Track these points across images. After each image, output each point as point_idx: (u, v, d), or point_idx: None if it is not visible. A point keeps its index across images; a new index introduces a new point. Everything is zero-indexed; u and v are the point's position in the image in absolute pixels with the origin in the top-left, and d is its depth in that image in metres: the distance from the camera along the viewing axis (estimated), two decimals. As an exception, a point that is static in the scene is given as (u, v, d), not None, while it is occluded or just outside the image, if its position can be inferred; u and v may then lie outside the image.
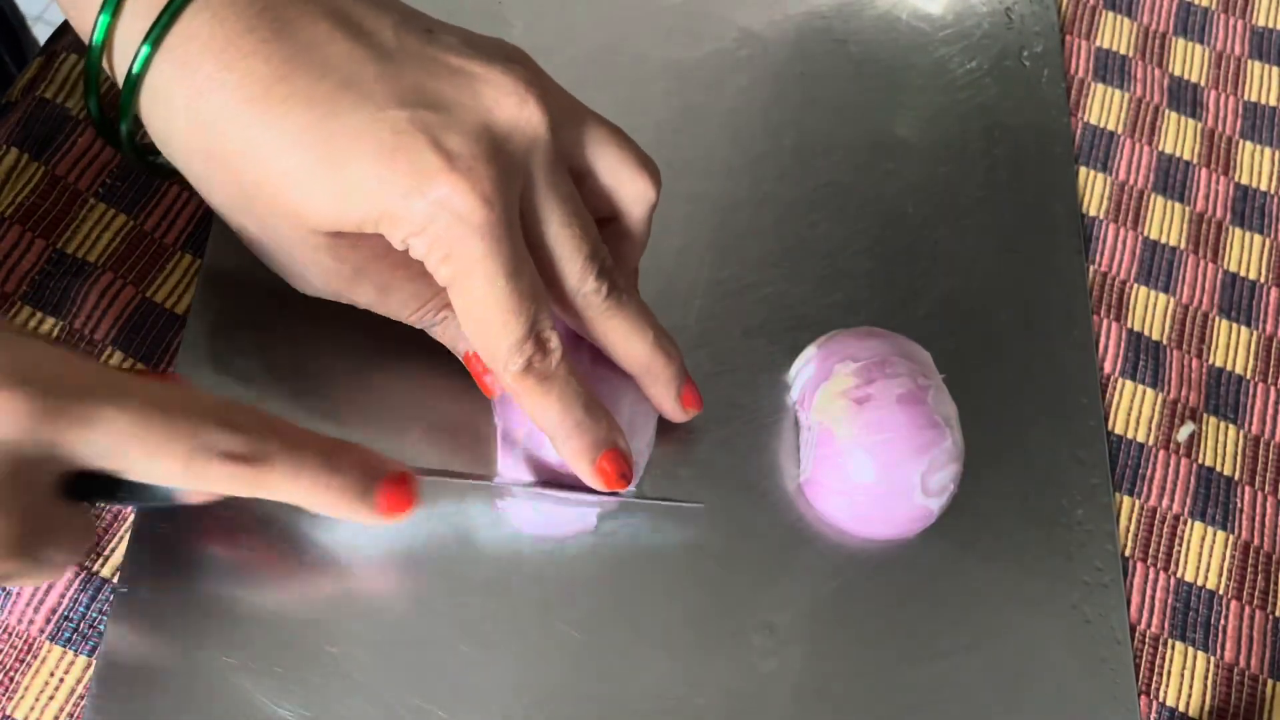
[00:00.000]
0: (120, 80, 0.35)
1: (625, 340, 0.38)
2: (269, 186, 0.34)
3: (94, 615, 0.37)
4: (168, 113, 0.34)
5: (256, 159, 0.33)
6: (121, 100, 0.35)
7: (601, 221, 0.39)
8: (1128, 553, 0.43)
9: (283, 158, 0.33)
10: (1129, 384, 0.46)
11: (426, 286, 0.37)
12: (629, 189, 0.38)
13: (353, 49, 0.34)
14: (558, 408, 0.37)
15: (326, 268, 0.36)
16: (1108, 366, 0.46)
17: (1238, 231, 0.51)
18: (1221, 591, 0.43)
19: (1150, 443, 0.45)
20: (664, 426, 0.42)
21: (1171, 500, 0.44)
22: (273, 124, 0.33)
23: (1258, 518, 0.45)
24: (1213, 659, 0.42)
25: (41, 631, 0.37)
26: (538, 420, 0.37)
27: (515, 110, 0.34)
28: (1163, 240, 0.50)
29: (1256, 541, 0.44)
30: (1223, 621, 0.43)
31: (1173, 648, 0.42)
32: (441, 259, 0.34)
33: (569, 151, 0.37)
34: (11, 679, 0.36)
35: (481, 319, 0.34)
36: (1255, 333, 0.48)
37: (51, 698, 0.36)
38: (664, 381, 0.40)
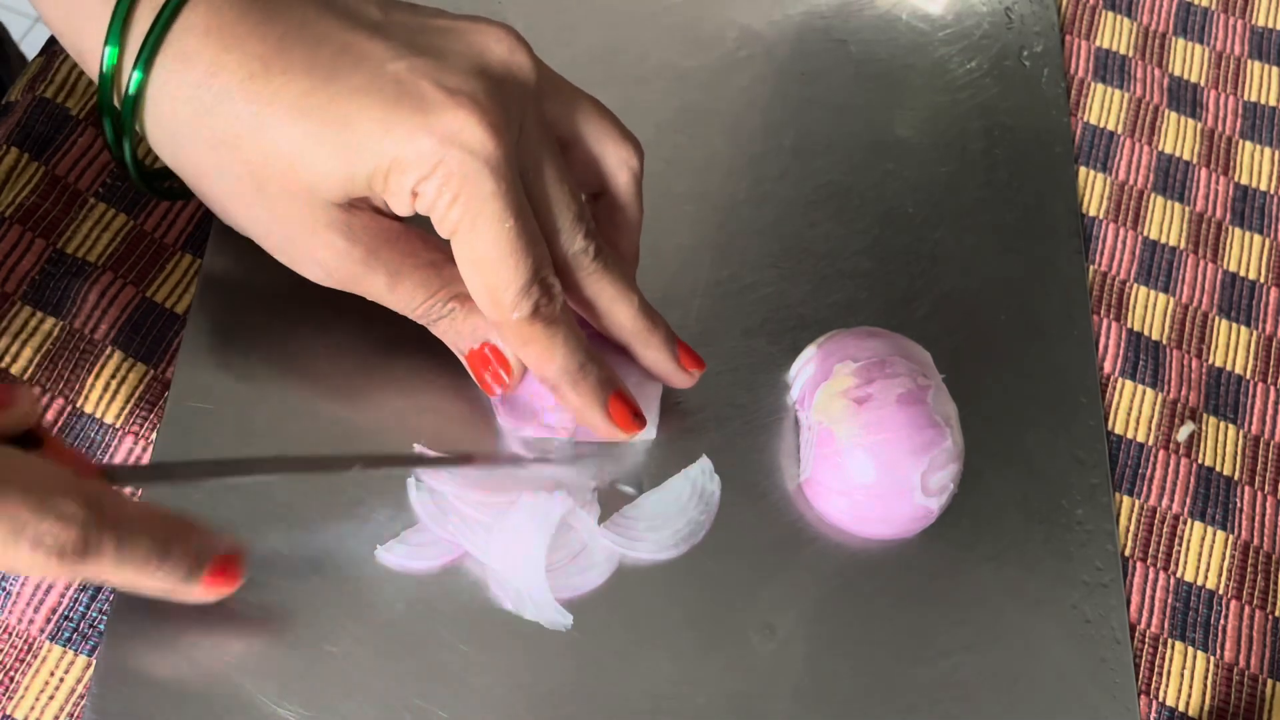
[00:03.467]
0: (121, 94, 0.35)
1: (613, 303, 0.39)
2: (278, 159, 0.34)
3: (94, 615, 0.37)
4: (172, 108, 0.35)
5: (263, 132, 0.34)
6: (123, 112, 0.35)
7: (590, 200, 0.39)
8: (1128, 553, 0.43)
9: (289, 125, 0.34)
10: (1129, 384, 0.46)
11: (435, 276, 0.38)
12: (613, 155, 0.39)
13: (343, 23, 0.35)
14: (563, 351, 0.37)
15: (339, 250, 0.36)
16: (1108, 366, 0.46)
17: (1238, 231, 0.51)
18: (1221, 591, 0.43)
19: (1150, 443, 0.45)
20: (663, 426, 0.42)
21: (1171, 500, 0.44)
22: (276, 95, 0.34)
23: (1258, 518, 0.45)
24: (1213, 659, 0.42)
25: (41, 631, 0.37)
26: (543, 369, 0.37)
27: (507, 55, 0.36)
28: (1163, 240, 0.50)
29: (1256, 541, 0.44)
30: (1223, 621, 0.43)
31: (1173, 648, 0.42)
32: (451, 201, 0.34)
33: (554, 119, 0.37)
34: (11, 679, 0.36)
35: (489, 262, 0.35)
36: (1255, 333, 0.48)
37: (51, 698, 0.36)
38: (656, 344, 0.40)
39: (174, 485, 0.39)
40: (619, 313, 0.39)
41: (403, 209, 0.35)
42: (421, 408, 0.41)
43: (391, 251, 0.37)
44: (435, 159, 0.33)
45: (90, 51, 0.35)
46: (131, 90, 0.35)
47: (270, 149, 0.34)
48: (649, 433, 0.41)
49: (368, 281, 0.37)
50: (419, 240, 0.37)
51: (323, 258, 0.37)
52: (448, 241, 0.35)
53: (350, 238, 0.36)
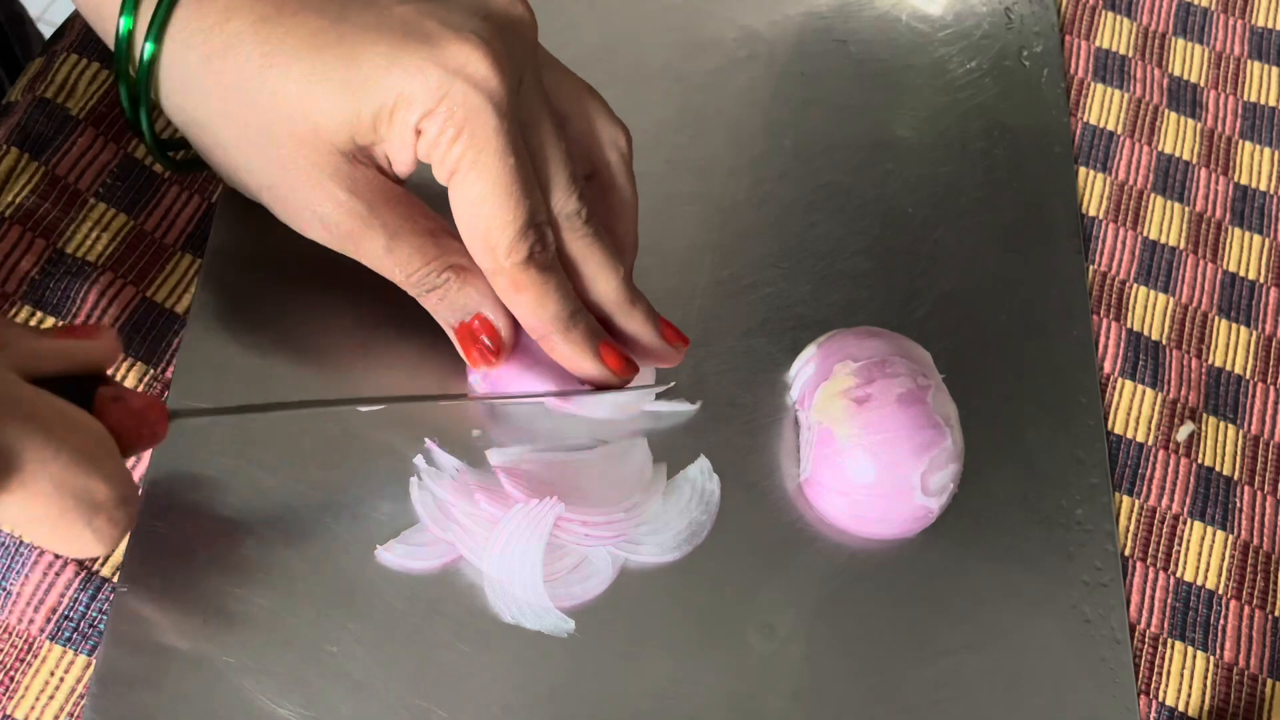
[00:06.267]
0: (137, 59, 0.36)
1: (599, 269, 0.38)
2: (285, 102, 0.35)
3: (94, 615, 0.37)
4: (184, 55, 0.36)
5: (272, 74, 0.35)
6: (139, 75, 0.36)
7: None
8: (1128, 552, 0.43)
9: (297, 65, 0.35)
10: (1129, 384, 0.46)
11: (433, 243, 0.38)
12: (603, 134, 0.39)
13: None
14: (556, 298, 0.37)
15: (340, 203, 0.36)
16: (1108, 366, 0.46)
17: (1237, 231, 0.51)
18: (1221, 591, 0.43)
19: (1150, 442, 0.45)
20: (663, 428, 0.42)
21: (1171, 500, 0.44)
22: (287, 35, 0.35)
23: (1257, 518, 0.45)
24: (1212, 659, 0.42)
25: (41, 631, 0.37)
26: (536, 316, 0.37)
27: (508, 6, 0.36)
28: (1162, 240, 0.50)
29: (1256, 541, 0.44)
30: (1222, 621, 0.43)
31: (1172, 647, 0.42)
32: (454, 137, 0.34)
33: (548, 89, 0.38)
34: (12, 678, 0.36)
35: (488, 201, 0.35)
36: (1255, 333, 0.48)
37: (51, 697, 0.36)
38: (639, 316, 0.40)
39: (237, 416, 0.38)
40: (603, 280, 0.39)
41: (405, 155, 0.35)
42: (424, 406, 0.41)
43: (391, 212, 0.37)
44: (440, 92, 0.34)
45: (109, 19, 0.36)
46: (146, 56, 0.35)
47: (278, 91, 0.35)
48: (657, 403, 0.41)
49: (366, 241, 0.37)
50: (419, 207, 0.38)
51: (324, 211, 0.37)
52: (447, 216, 0.36)
53: (352, 191, 0.36)
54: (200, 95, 0.36)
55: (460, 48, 0.34)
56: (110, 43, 0.37)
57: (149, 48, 0.35)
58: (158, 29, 0.35)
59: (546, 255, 0.36)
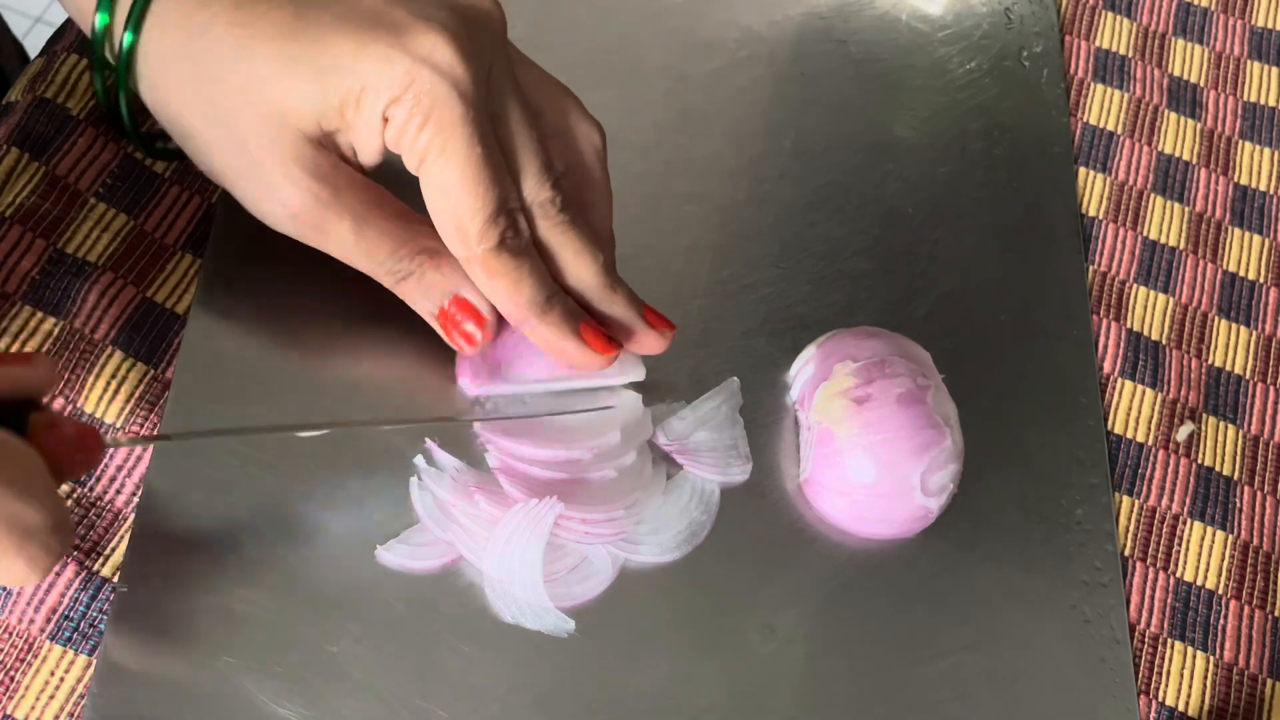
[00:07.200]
0: (116, 50, 0.37)
1: (576, 256, 0.38)
2: (256, 85, 0.35)
3: (94, 615, 0.37)
4: (161, 41, 0.36)
5: (243, 60, 0.35)
6: (118, 67, 0.36)
7: None
8: (1127, 552, 0.43)
9: (268, 50, 0.35)
10: (1128, 384, 0.46)
11: (402, 227, 0.38)
12: (578, 130, 0.39)
13: None
14: (531, 283, 0.37)
15: (306, 188, 0.36)
16: (1107, 366, 0.47)
17: (1237, 231, 0.51)
18: (1221, 591, 0.43)
19: (1150, 442, 0.45)
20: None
21: (1171, 500, 0.44)
22: (259, 20, 0.35)
23: (1257, 517, 0.45)
24: (1212, 659, 0.42)
25: (42, 631, 0.37)
26: (511, 302, 0.37)
27: (475, 1, 0.37)
28: (1162, 240, 0.50)
29: (1256, 541, 0.44)
30: (1222, 621, 0.43)
31: (1172, 647, 0.42)
32: (421, 124, 0.34)
33: (524, 88, 0.38)
34: (12, 678, 0.36)
35: (457, 189, 0.35)
36: (1254, 333, 0.48)
37: (52, 697, 0.36)
38: (620, 302, 0.39)
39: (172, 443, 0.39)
40: (582, 268, 0.38)
41: (373, 143, 0.36)
42: (424, 408, 0.41)
43: (357, 198, 0.37)
44: (407, 79, 0.34)
45: (88, 12, 0.37)
46: (125, 46, 0.36)
47: (249, 74, 0.35)
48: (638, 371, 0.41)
49: (333, 228, 0.37)
50: (385, 194, 0.38)
51: (288, 196, 0.37)
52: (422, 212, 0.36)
53: (318, 176, 0.36)
54: (175, 81, 0.37)
55: (427, 36, 0.34)
56: (89, 30, 0.37)
57: (128, 37, 0.36)
58: (136, 18, 0.36)
59: (519, 240, 0.36)
